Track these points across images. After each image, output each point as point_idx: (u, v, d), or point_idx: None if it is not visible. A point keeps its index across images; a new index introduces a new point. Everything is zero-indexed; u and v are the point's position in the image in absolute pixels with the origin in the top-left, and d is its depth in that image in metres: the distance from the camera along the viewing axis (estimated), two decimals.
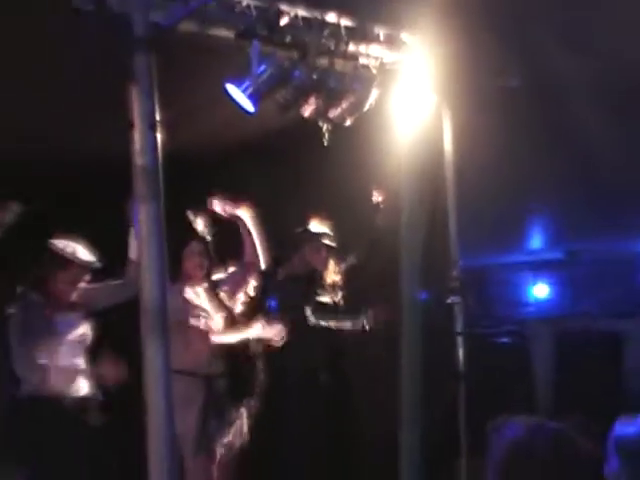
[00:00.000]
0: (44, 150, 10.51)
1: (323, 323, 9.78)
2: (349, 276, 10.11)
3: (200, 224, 8.99)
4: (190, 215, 8.87)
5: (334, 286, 9.90)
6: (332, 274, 9.90)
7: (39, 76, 8.56)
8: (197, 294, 8.89)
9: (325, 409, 9.76)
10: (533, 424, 3.95)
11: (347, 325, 9.90)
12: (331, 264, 9.88)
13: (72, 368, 8.58)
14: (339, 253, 9.92)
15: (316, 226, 9.75)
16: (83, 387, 8.59)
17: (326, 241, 9.78)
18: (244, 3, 8.83)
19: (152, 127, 6.64)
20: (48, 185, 10.79)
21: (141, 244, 6.71)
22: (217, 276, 9.32)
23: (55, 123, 9.71)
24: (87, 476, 8.41)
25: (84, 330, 8.75)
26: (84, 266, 8.58)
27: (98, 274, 8.74)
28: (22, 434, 8.52)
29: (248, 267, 9.43)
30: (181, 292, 8.83)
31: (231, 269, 9.48)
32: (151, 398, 6.58)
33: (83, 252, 8.57)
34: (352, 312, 9.97)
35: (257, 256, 9.45)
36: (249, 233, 9.35)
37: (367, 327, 9.96)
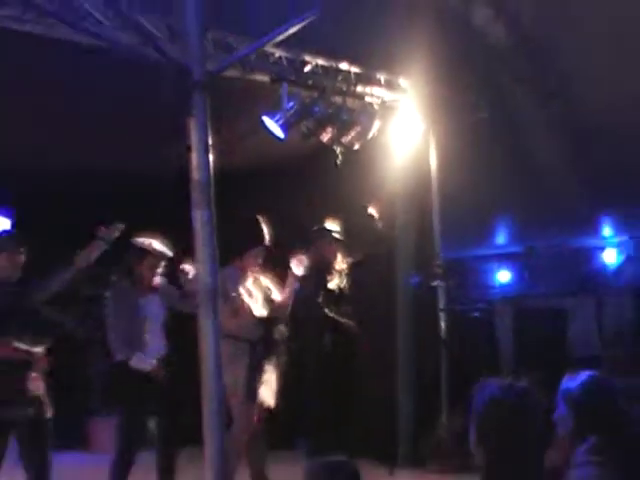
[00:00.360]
0: (130, 167, 10.62)
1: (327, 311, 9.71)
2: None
3: (265, 231, 8.89)
4: (260, 222, 8.74)
5: (341, 273, 9.85)
6: (340, 263, 9.83)
7: (132, 114, 8.65)
8: (250, 281, 8.81)
9: (336, 373, 9.67)
10: (505, 384, 3.97)
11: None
12: (339, 255, 9.82)
13: (155, 339, 8.67)
14: (346, 247, 9.86)
15: (328, 224, 9.71)
16: (160, 352, 8.63)
17: (336, 236, 9.73)
18: (276, 55, 8.91)
19: (206, 150, 6.62)
20: (131, 192, 10.90)
21: (197, 240, 6.70)
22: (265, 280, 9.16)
23: (137, 147, 9.81)
24: (158, 414, 8.53)
25: (161, 309, 8.75)
26: (159, 255, 8.60)
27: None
28: (117, 388, 8.70)
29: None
30: (239, 277, 8.77)
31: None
32: (205, 358, 6.57)
33: (157, 244, 8.59)
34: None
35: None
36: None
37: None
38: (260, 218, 8.75)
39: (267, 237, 8.80)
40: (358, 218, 9.83)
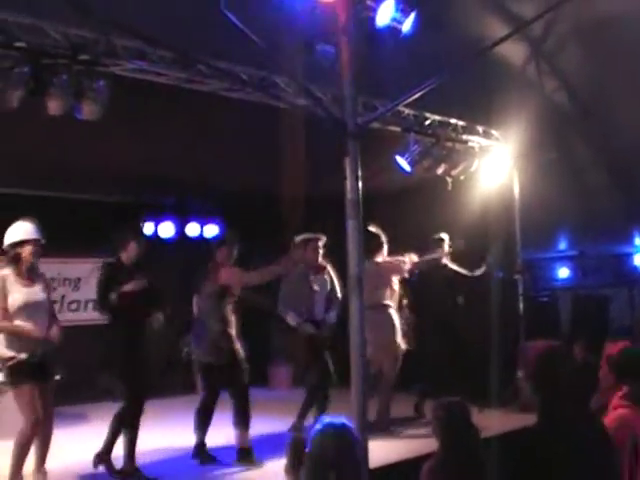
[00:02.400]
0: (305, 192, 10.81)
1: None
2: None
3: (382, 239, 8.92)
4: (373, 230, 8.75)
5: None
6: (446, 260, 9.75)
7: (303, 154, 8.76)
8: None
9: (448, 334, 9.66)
10: (555, 344, 3.91)
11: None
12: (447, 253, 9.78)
13: (321, 310, 8.59)
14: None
15: (442, 234, 9.68)
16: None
17: (447, 242, 9.67)
18: (405, 112, 8.92)
19: (356, 178, 6.65)
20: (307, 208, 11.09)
21: (349, 241, 6.72)
22: None
23: (309, 177, 9.95)
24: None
25: (326, 285, 8.66)
26: (315, 239, 8.57)
27: None
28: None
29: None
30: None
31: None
32: (353, 327, 6.61)
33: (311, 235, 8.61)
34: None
35: None
36: None
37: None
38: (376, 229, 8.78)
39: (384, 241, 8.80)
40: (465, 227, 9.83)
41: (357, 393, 6.48)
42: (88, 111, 6.63)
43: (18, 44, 6.22)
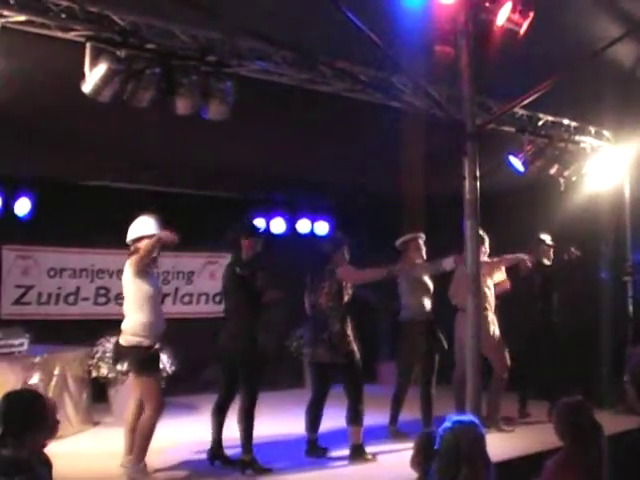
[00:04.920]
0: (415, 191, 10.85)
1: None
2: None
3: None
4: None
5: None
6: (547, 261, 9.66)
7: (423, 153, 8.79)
8: None
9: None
10: None
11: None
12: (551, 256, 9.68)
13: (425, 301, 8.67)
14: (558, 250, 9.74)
15: (543, 235, 9.61)
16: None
17: (549, 243, 9.59)
18: (519, 113, 8.90)
19: (474, 178, 6.69)
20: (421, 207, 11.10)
21: (466, 240, 6.76)
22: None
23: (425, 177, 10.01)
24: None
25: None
26: (416, 238, 8.64)
27: None
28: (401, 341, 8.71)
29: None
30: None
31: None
32: (469, 323, 6.68)
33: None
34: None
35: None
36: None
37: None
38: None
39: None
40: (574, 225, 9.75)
41: (473, 390, 6.53)
42: (215, 111, 6.81)
43: (149, 46, 6.44)
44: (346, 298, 7.76)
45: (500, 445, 7.29)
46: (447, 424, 4.04)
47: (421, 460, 4.57)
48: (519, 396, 9.63)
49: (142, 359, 6.75)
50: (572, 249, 9.42)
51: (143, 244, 6.87)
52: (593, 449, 4.36)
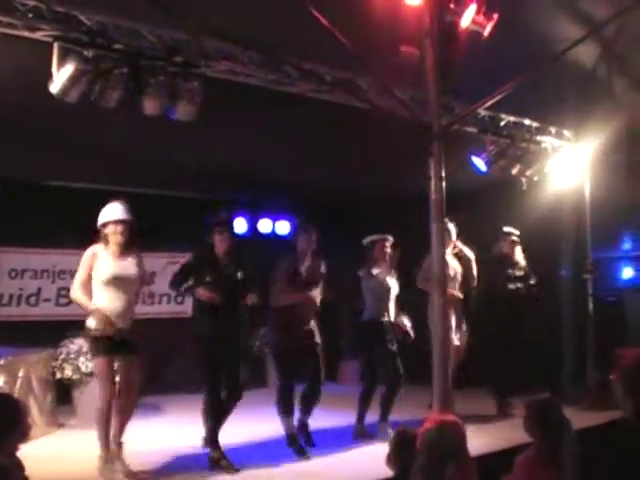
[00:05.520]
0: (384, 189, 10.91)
1: (511, 286, 9.65)
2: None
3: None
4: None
5: (518, 263, 9.75)
6: (516, 256, 9.74)
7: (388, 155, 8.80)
8: None
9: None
10: None
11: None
12: (517, 250, 9.76)
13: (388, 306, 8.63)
14: (523, 246, 9.83)
15: (508, 228, 9.71)
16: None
17: (514, 237, 9.70)
18: (482, 114, 8.98)
19: (440, 179, 6.72)
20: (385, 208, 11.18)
21: (432, 240, 6.79)
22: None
23: (389, 176, 10.06)
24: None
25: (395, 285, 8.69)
26: (382, 240, 8.61)
27: None
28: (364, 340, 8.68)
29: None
30: None
31: None
32: (435, 319, 6.73)
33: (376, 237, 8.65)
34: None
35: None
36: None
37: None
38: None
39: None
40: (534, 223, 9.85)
41: (439, 388, 6.58)
42: (182, 112, 6.80)
43: (117, 46, 6.41)
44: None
45: (470, 442, 7.35)
46: (430, 423, 4.10)
47: (397, 458, 4.61)
48: (495, 395, 9.67)
49: (90, 341, 6.89)
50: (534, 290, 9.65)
51: (110, 229, 6.90)
52: (562, 444, 4.43)
